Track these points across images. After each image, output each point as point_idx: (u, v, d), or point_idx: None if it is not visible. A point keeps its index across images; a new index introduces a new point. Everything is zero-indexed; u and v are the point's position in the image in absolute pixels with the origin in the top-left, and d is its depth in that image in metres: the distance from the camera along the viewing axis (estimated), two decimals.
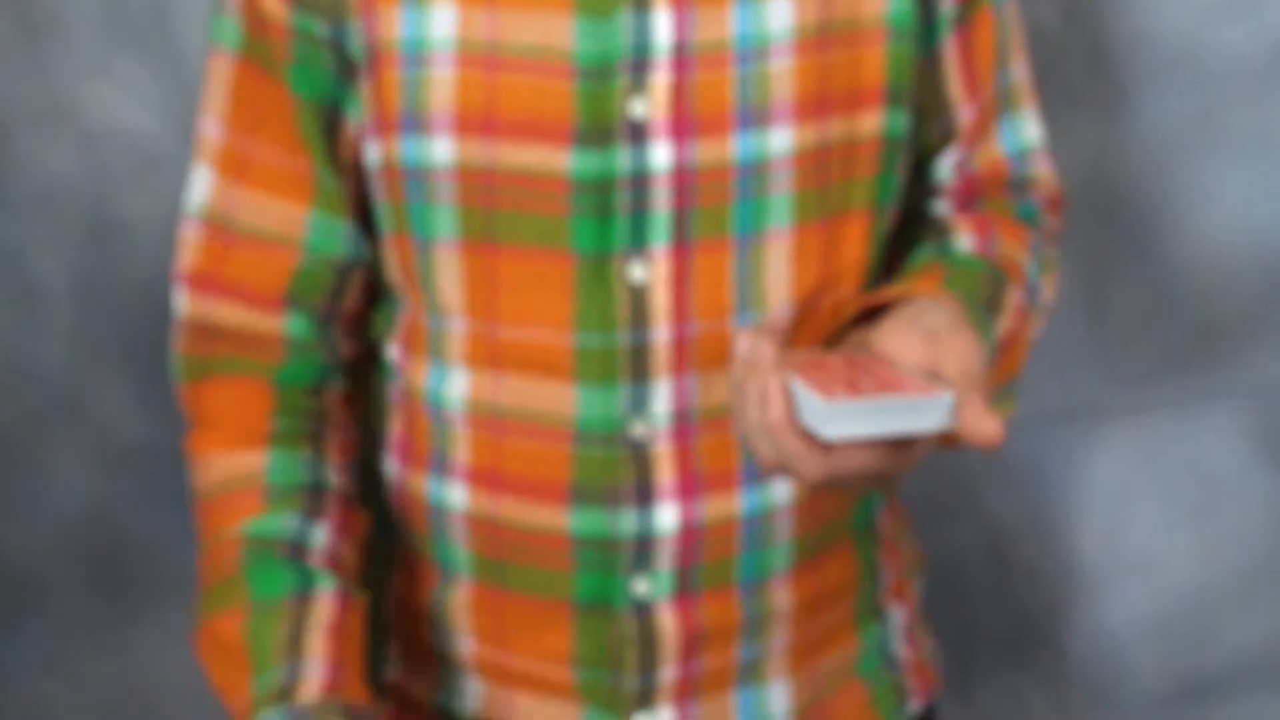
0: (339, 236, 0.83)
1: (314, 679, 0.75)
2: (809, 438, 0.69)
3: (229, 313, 0.83)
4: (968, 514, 1.39)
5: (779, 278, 0.82)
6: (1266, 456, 1.35)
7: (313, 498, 0.83)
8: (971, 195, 0.92)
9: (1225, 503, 1.37)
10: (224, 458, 0.84)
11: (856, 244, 0.84)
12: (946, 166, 0.90)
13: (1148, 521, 1.37)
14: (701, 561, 0.83)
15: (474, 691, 0.87)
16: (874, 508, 0.91)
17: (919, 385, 0.69)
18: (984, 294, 0.82)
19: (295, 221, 0.82)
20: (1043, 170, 0.93)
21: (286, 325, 0.84)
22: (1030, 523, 1.38)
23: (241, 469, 0.83)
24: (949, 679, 1.44)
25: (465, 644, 0.87)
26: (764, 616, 0.86)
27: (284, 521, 0.81)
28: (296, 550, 0.80)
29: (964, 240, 0.87)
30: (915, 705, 0.96)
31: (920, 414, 0.67)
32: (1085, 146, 1.28)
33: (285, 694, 0.74)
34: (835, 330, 0.83)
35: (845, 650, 0.91)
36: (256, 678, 0.76)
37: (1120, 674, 1.41)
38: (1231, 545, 1.37)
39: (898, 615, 0.94)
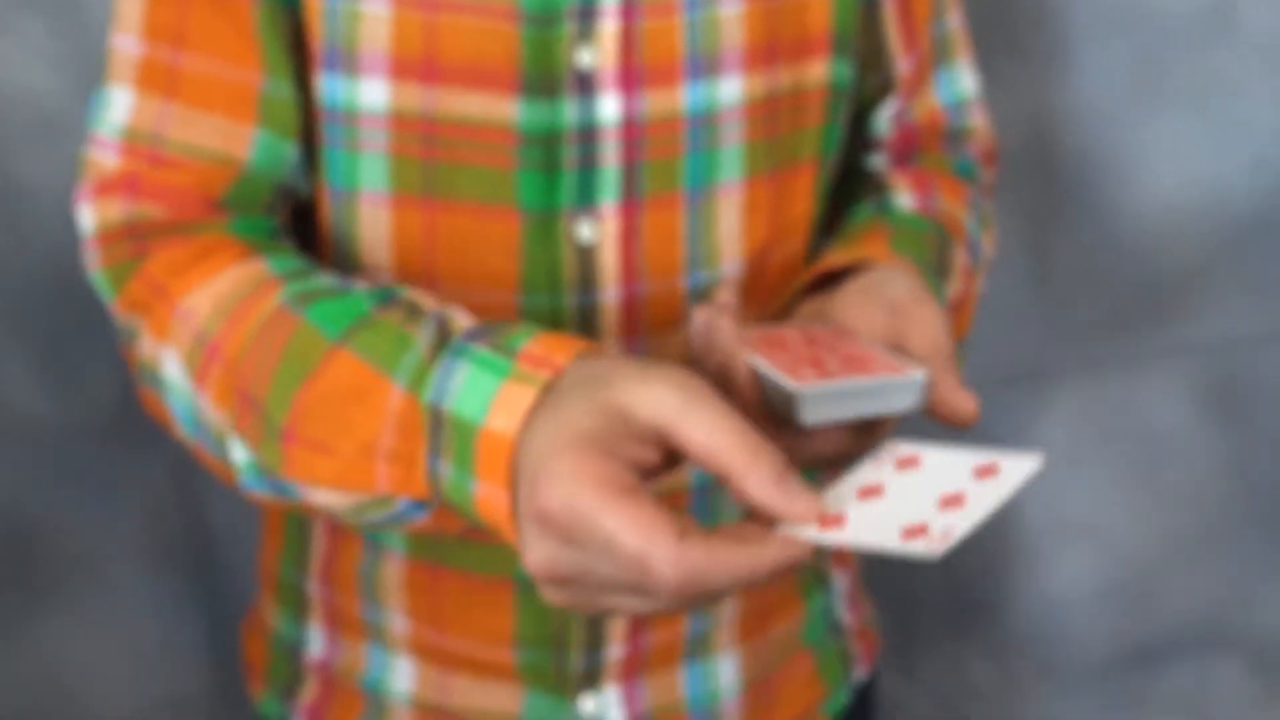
0: (285, 161, 0.77)
1: (461, 316, 0.68)
2: (776, 422, 0.67)
3: (159, 213, 0.75)
4: None
5: (730, 233, 0.79)
6: (1211, 415, 1.35)
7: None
8: (908, 149, 0.91)
9: (1171, 463, 1.37)
10: (206, 289, 0.73)
11: (804, 197, 0.83)
12: (884, 119, 0.90)
13: (1093, 484, 1.37)
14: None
15: (407, 671, 0.84)
16: (818, 469, 0.89)
17: (888, 363, 0.67)
18: (933, 257, 0.81)
19: (239, 139, 0.75)
20: (979, 121, 0.93)
21: (228, 226, 0.76)
22: None
23: (237, 280, 0.73)
24: (891, 651, 1.43)
25: (397, 621, 0.83)
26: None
27: (318, 279, 0.72)
28: (346, 287, 0.71)
29: (904, 198, 0.86)
30: (860, 673, 0.94)
31: (893, 394, 0.65)
32: (1028, 99, 1.26)
33: (443, 338, 0.66)
34: (786, 300, 0.80)
35: (791, 619, 0.89)
36: (397, 369, 0.65)
37: (1064, 641, 1.41)
38: (1176, 506, 1.37)
39: (841, 581, 0.93)
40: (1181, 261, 1.30)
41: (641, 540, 0.55)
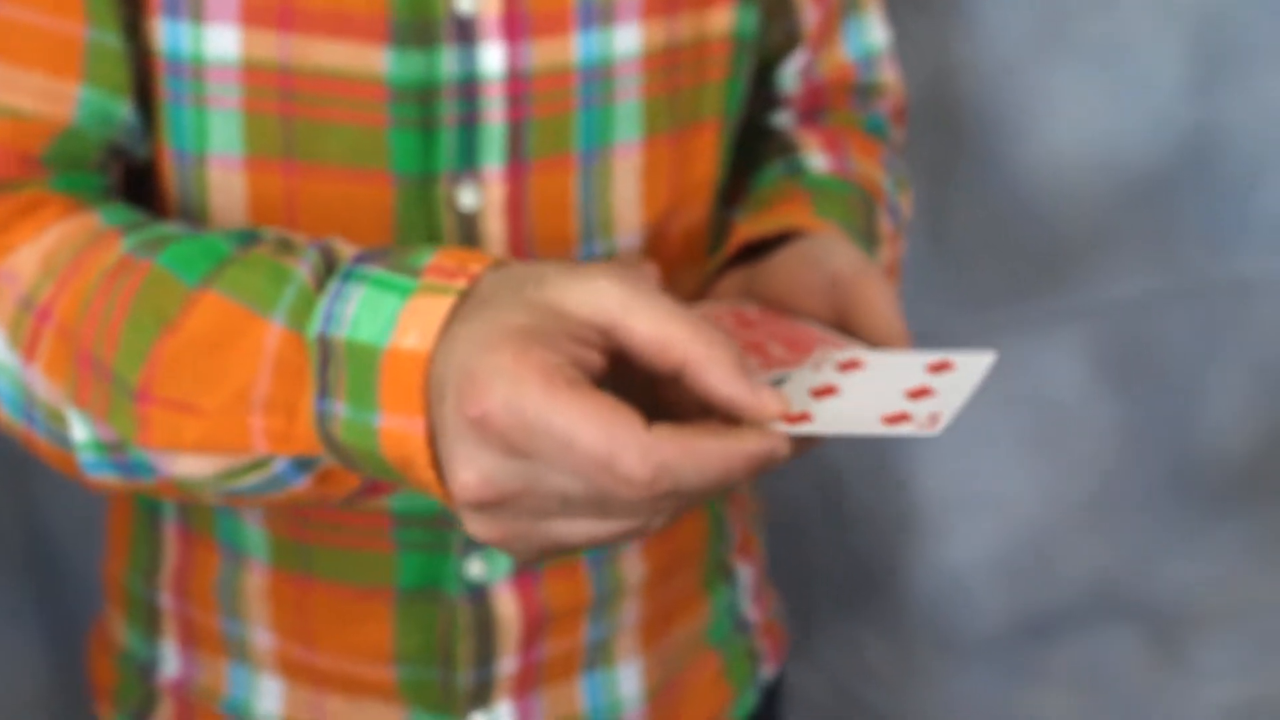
0: (116, 120, 0.67)
1: (346, 245, 0.60)
2: (720, 418, 0.60)
3: None
4: (801, 457, 1.32)
5: (627, 200, 0.72)
6: (1110, 380, 1.33)
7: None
8: (816, 105, 0.85)
9: (1070, 429, 1.35)
10: (30, 248, 0.64)
11: (707, 158, 0.76)
12: (790, 74, 0.83)
13: (991, 454, 1.35)
14: None
15: (274, 692, 0.76)
16: None
17: (839, 347, 0.61)
18: (860, 223, 0.75)
19: (61, 98, 0.66)
20: (889, 76, 0.88)
21: (51, 183, 0.67)
22: (869, 462, 1.34)
23: (68, 235, 0.63)
24: (788, 635, 1.38)
25: (261, 637, 0.75)
26: (614, 589, 0.77)
27: (165, 226, 0.63)
28: (200, 232, 0.62)
29: (816, 159, 0.80)
30: (768, 671, 0.88)
31: None
32: (928, 54, 1.22)
33: (328, 266, 0.58)
34: (705, 276, 0.73)
35: (695, 618, 0.83)
36: (274, 307, 0.57)
37: (963, 617, 1.38)
38: (1075, 474, 1.36)
39: (746, 574, 0.87)
40: (1080, 221, 1.27)
41: (605, 432, 0.48)
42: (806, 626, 1.39)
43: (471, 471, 0.50)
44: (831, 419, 0.52)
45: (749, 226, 0.72)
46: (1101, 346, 1.31)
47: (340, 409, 0.54)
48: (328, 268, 0.58)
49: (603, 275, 0.52)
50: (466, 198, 0.69)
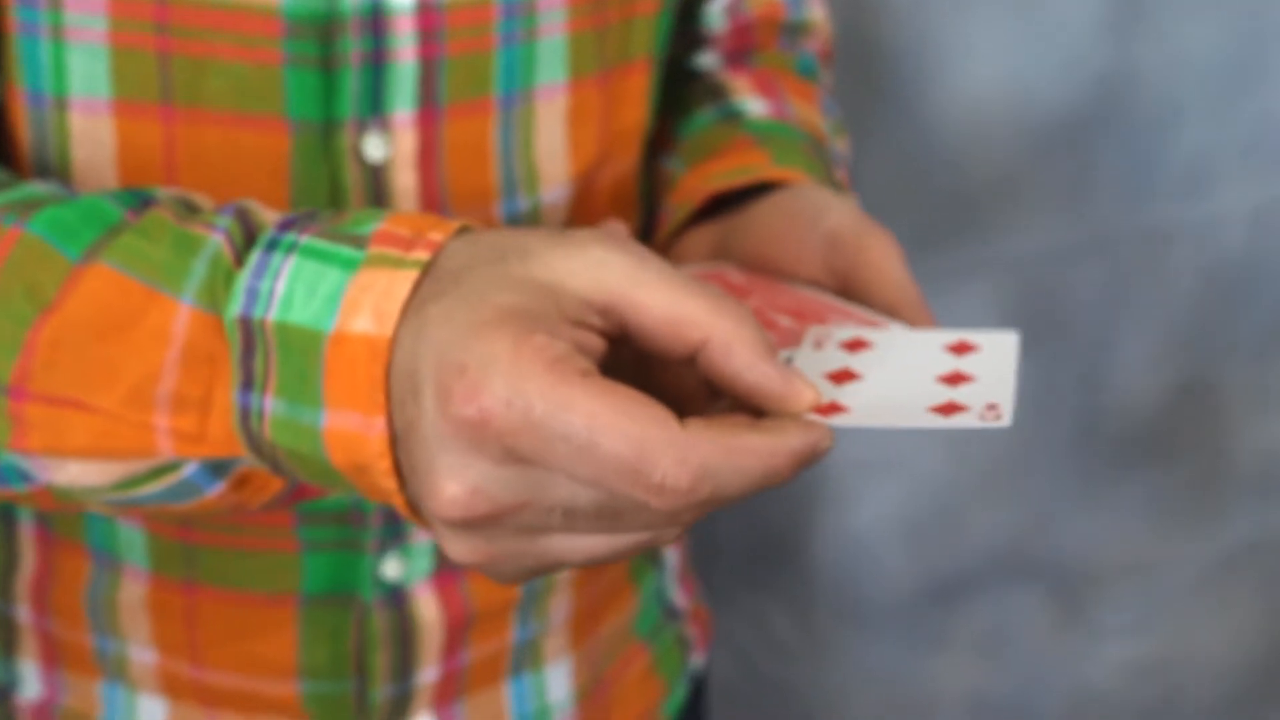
0: None
1: (265, 212, 0.51)
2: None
3: None
4: None
5: (553, 148, 0.65)
6: (1022, 338, 1.28)
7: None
8: (743, 45, 0.79)
9: None
10: None
11: (637, 103, 0.69)
12: (716, 11, 0.77)
13: None
14: None
15: (155, 714, 0.67)
16: None
17: (854, 316, 0.54)
18: (822, 174, 0.68)
19: None
20: (817, 14, 0.82)
21: None
22: None
23: None
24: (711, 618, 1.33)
25: (141, 654, 0.66)
26: (544, 583, 0.70)
27: (32, 186, 0.54)
28: (77, 194, 0.53)
29: (752, 103, 0.73)
30: (697, 660, 0.82)
31: None
32: None
33: (248, 234, 0.49)
34: (665, 236, 0.66)
35: (623, 610, 0.76)
36: (181, 283, 0.48)
37: (868, 585, 1.35)
38: (981, 435, 1.32)
39: (672, 557, 0.81)
40: (992, 169, 1.23)
41: (634, 431, 0.41)
42: (711, 601, 1.33)
43: (459, 483, 0.42)
44: (869, 410, 0.45)
45: (711, 178, 0.65)
46: (1010, 301, 1.28)
47: (270, 405, 0.46)
48: (247, 236, 0.49)
49: (597, 244, 0.45)
50: (373, 148, 0.60)
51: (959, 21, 1.19)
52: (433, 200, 0.62)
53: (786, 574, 1.34)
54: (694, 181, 0.66)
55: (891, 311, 0.55)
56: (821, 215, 0.59)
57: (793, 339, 0.51)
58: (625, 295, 0.44)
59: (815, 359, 0.49)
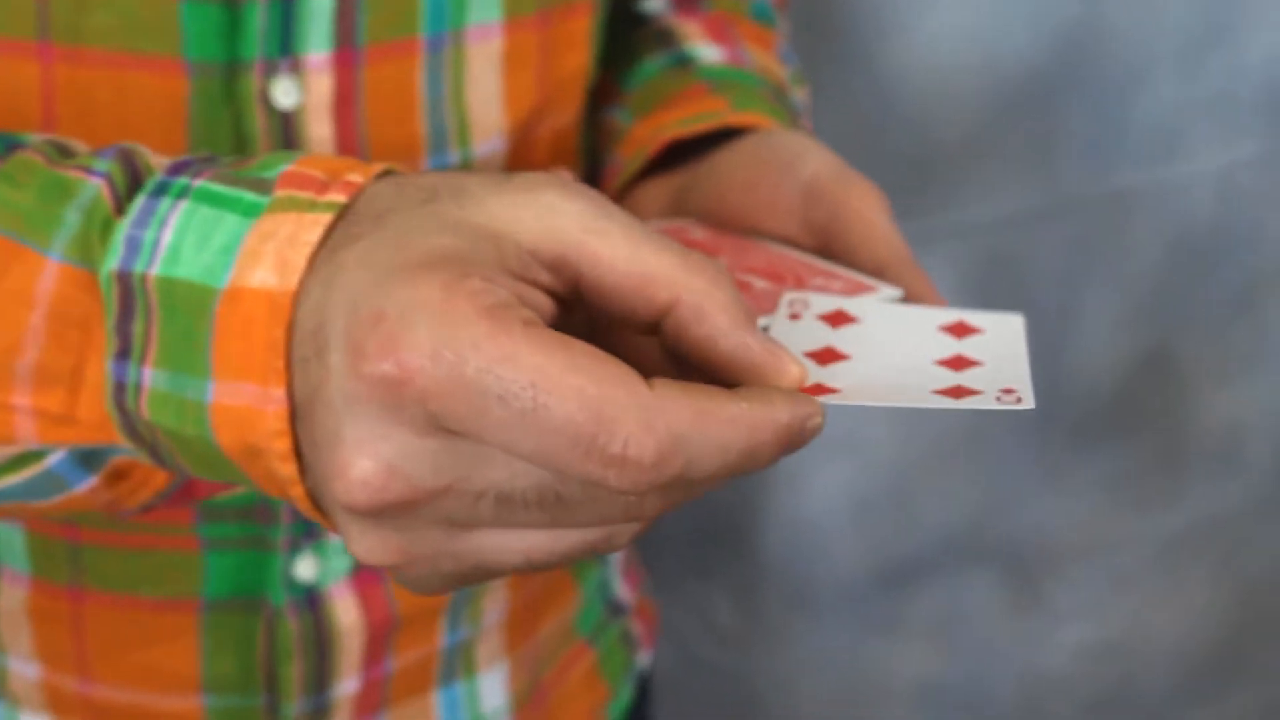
0: None
1: (154, 155, 0.44)
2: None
3: None
4: None
5: (486, 97, 0.58)
6: (975, 306, 1.23)
7: None
8: None
9: None
10: None
11: (578, 46, 0.62)
12: None
13: None
14: None
15: None
16: None
17: (837, 276, 0.48)
18: (788, 122, 0.62)
19: None
20: None
21: None
22: None
23: None
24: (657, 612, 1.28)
25: (22, 668, 0.59)
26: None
27: None
28: None
29: (706, 50, 0.66)
30: (643, 658, 0.76)
31: None
32: None
33: (133, 178, 0.42)
34: (616, 188, 0.59)
35: (564, 608, 0.70)
36: (49, 234, 0.41)
37: (818, 571, 1.30)
38: (937, 413, 1.27)
39: None
40: (952, 129, 1.17)
41: (591, 390, 0.34)
42: (653, 590, 1.28)
43: (371, 458, 0.35)
44: (862, 388, 0.39)
45: (666, 127, 0.59)
46: (969, 269, 1.24)
47: (149, 377, 0.39)
48: (131, 180, 0.42)
49: (549, 187, 0.38)
50: (283, 94, 0.53)
51: None
52: (351, 153, 0.55)
53: (731, 559, 1.29)
54: (645, 131, 0.59)
55: (879, 272, 0.49)
56: (796, 162, 0.52)
57: (766, 305, 0.45)
58: (581, 246, 0.37)
59: (792, 332, 0.43)
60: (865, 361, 0.41)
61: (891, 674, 1.37)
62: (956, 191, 1.20)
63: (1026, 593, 1.37)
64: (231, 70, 0.52)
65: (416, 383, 0.34)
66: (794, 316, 0.44)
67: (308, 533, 0.58)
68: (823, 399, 0.38)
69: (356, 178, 0.39)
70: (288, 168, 0.40)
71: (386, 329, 0.34)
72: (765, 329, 0.43)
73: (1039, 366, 1.28)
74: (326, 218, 0.38)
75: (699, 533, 1.29)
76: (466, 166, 0.58)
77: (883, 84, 1.16)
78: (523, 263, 0.37)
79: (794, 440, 0.37)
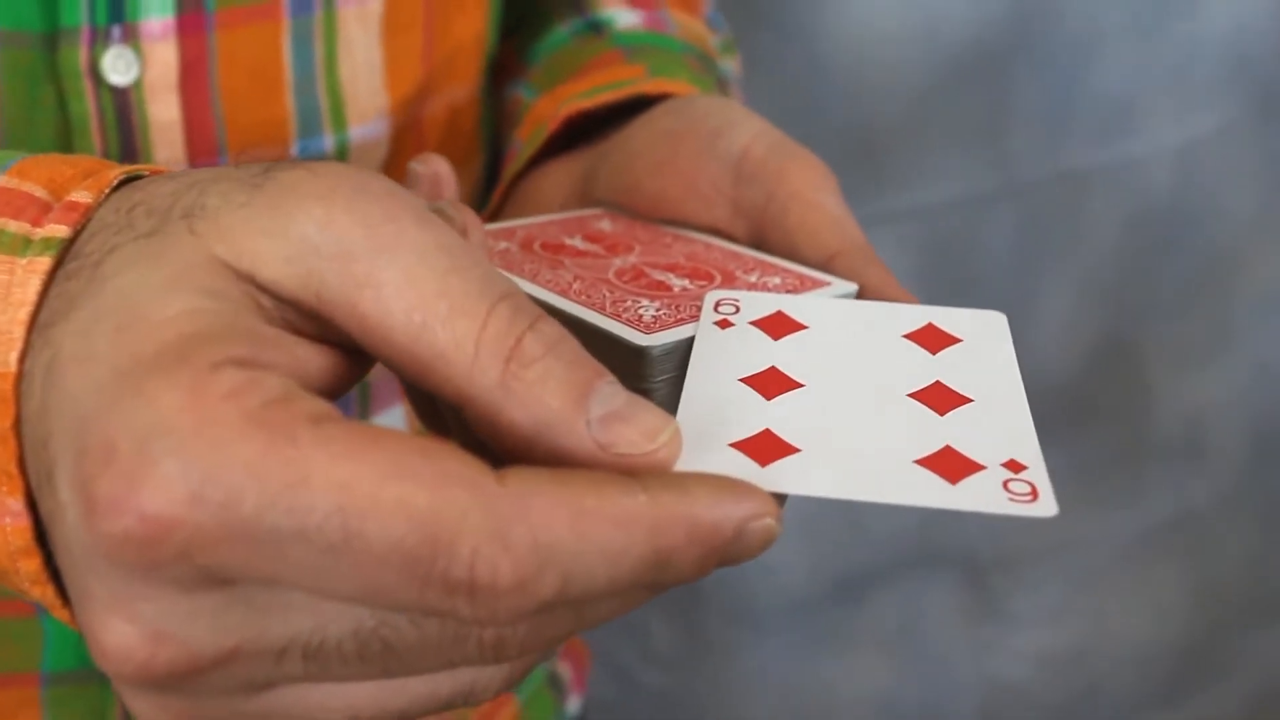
0: None
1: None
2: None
3: None
4: None
5: (364, 70, 0.51)
6: (927, 292, 1.21)
7: None
8: None
9: None
10: None
11: (472, 11, 0.56)
12: None
13: None
14: None
15: None
16: None
17: (775, 269, 0.41)
18: (713, 91, 0.54)
19: None
20: None
21: None
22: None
23: None
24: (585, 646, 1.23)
25: None
26: None
27: None
28: None
29: (622, 15, 0.60)
30: (574, 704, 0.69)
31: None
32: None
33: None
34: (508, 174, 0.52)
35: None
36: None
37: (759, 580, 1.25)
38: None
39: None
40: (895, 106, 1.12)
41: (425, 495, 0.26)
42: None
43: (129, 623, 0.27)
44: (822, 468, 0.31)
45: (571, 98, 0.51)
46: (915, 255, 1.19)
47: None
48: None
49: (317, 202, 0.29)
50: (117, 69, 0.46)
51: None
52: (204, 138, 0.47)
53: None
54: (548, 106, 0.52)
55: (827, 264, 0.41)
56: (723, 134, 0.45)
57: (686, 309, 0.37)
58: (347, 307, 0.29)
59: (723, 348, 0.35)
60: (825, 396, 0.33)
61: (843, 691, 1.32)
62: (898, 171, 1.15)
63: (984, 600, 1.33)
64: (51, 40, 0.45)
65: (173, 538, 0.26)
66: (723, 324, 0.36)
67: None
68: (767, 473, 0.30)
69: (84, 196, 0.31)
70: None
71: (121, 469, 0.26)
72: (687, 341, 0.36)
73: None
74: (44, 264, 0.29)
75: None
76: (342, 152, 0.51)
77: (818, 55, 1.10)
78: (282, 311, 0.29)
79: (729, 548, 0.28)
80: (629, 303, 0.37)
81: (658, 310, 0.37)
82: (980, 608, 1.33)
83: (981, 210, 1.18)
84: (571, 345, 0.29)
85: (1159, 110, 1.20)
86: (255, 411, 0.26)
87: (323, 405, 0.27)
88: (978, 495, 0.30)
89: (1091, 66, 1.16)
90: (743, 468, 0.30)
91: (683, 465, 0.30)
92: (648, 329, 0.36)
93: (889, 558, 1.28)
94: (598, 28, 0.58)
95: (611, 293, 0.38)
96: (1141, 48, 1.17)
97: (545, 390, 0.28)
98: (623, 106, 0.51)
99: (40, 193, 0.31)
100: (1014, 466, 0.31)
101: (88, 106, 0.45)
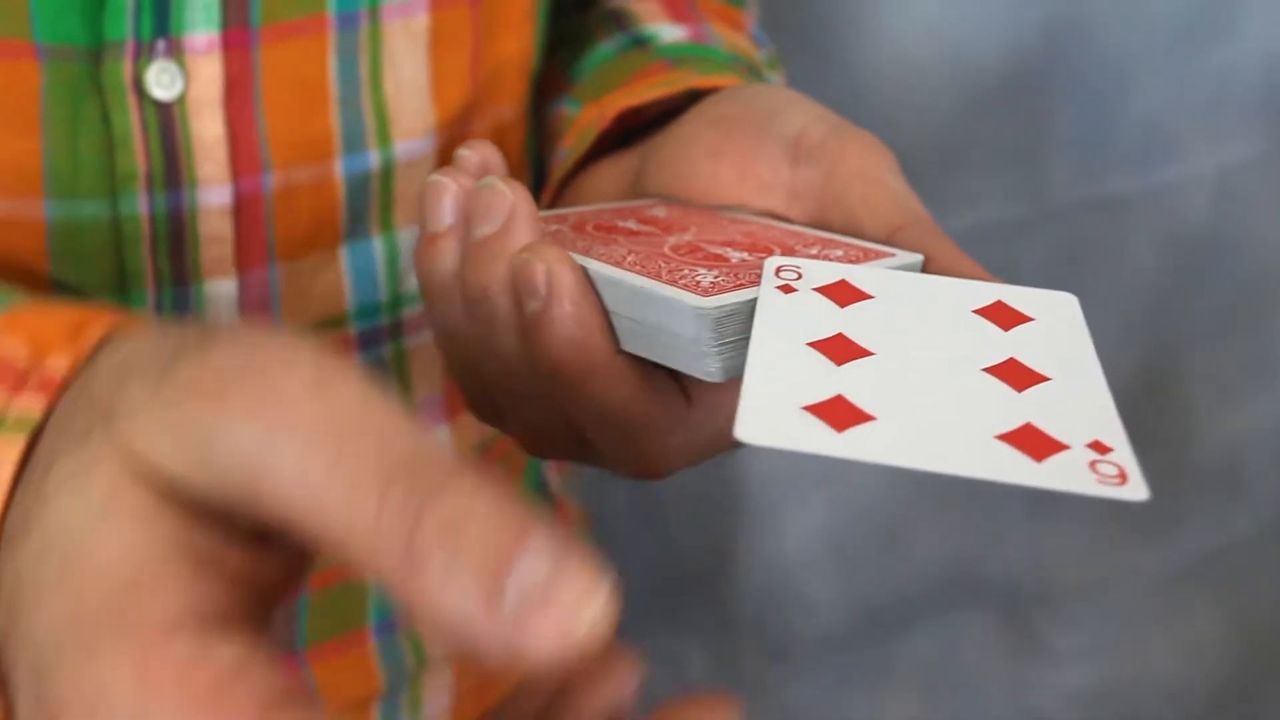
0: None
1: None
2: (661, 383, 0.38)
3: None
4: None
5: (411, 85, 0.50)
6: None
7: None
8: None
9: None
10: None
11: (519, 27, 0.55)
12: None
13: None
14: (307, 601, 0.52)
15: None
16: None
17: (836, 244, 0.40)
18: None
19: None
20: None
21: None
22: None
23: None
24: None
25: None
26: (416, 666, 0.55)
27: None
28: None
29: (667, 30, 0.59)
30: None
31: None
32: None
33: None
34: (555, 174, 0.51)
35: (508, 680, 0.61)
36: None
37: (796, 617, 1.24)
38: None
39: None
40: (928, 131, 1.12)
41: None
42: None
43: None
44: (898, 432, 0.30)
45: (622, 97, 0.50)
46: None
47: None
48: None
49: (207, 397, 0.27)
50: (161, 83, 0.45)
51: None
52: (249, 154, 0.47)
53: (703, 609, 1.23)
54: (594, 113, 0.51)
55: (890, 239, 0.40)
56: (777, 115, 0.44)
57: (745, 276, 0.36)
58: (249, 493, 0.27)
59: (787, 313, 0.34)
60: (891, 368, 0.32)
61: None
62: (933, 198, 1.14)
63: (1023, 635, 1.31)
64: (92, 56, 0.44)
65: None
66: (785, 289, 0.35)
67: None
68: (845, 440, 0.29)
69: (61, 365, 0.30)
70: None
71: None
72: (748, 305, 0.35)
73: None
74: (14, 452, 0.29)
75: (668, 581, 1.23)
76: (388, 170, 0.50)
77: (855, 82, 1.10)
78: (208, 509, 0.28)
79: None
80: (685, 271, 0.36)
81: (715, 277, 0.36)
82: (1019, 643, 1.31)
83: (1017, 237, 1.17)
84: (480, 513, 0.26)
85: (1194, 137, 1.19)
86: (202, 695, 0.25)
87: (278, 681, 0.26)
88: (1065, 475, 0.29)
89: (1126, 93, 1.16)
90: (817, 433, 0.29)
91: (755, 431, 0.29)
92: (705, 293, 0.35)
93: (925, 591, 1.26)
94: (641, 42, 0.57)
95: (667, 264, 0.37)
96: (1176, 74, 1.17)
97: (450, 589, 0.25)
98: (673, 110, 0.50)
99: (22, 353, 0.31)
100: (1099, 448, 0.30)
101: (131, 121, 0.45)
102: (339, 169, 0.49)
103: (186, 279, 0.47)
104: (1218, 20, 1.16)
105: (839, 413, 0.30)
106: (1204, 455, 1.30)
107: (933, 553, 1.25)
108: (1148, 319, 1.23)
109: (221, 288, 0.47)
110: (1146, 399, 1.26)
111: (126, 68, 0.44)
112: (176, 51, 0.45)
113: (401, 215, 0.51)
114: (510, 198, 0.37)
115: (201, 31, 0.45)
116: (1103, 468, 0.29)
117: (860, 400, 0.31)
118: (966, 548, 1.26)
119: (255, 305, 0.48)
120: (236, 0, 0.45)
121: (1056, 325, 0.35)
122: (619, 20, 0.60)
